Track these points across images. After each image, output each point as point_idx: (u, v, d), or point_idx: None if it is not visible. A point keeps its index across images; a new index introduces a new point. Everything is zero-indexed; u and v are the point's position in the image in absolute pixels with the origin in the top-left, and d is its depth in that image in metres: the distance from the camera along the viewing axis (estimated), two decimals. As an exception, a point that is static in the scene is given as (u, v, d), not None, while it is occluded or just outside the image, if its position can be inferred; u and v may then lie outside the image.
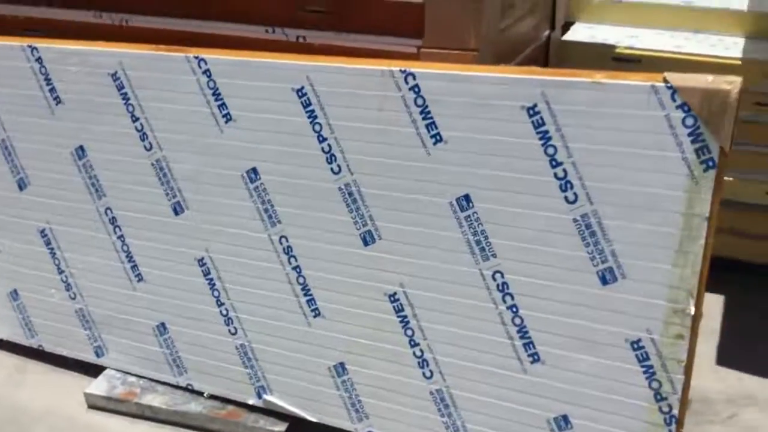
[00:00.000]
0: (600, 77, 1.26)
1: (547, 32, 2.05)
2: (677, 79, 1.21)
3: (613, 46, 2.24)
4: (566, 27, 2.46)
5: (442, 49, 1.46)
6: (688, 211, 1.20)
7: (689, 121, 1.18)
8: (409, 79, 1.38)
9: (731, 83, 1.19)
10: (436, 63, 1.43)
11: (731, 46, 2.21)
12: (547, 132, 1.30)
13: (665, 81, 1.20)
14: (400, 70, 1.38)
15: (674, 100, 1.18)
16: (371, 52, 1.56)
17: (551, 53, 2.11)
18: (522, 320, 1.38)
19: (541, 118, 1.29)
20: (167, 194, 1.66)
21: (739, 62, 2.12)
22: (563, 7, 2.12)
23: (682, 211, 1.20)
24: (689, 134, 1.18)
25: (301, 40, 1.64)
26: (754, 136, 2.14)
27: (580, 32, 2.39)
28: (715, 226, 1.20)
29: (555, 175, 1.30)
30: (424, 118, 1.38)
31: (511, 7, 1.61)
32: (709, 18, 2.33)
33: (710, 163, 1.18)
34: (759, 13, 2.29)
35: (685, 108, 1.18)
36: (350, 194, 1.48)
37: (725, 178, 2.12)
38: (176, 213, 1.66)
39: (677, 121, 1.18)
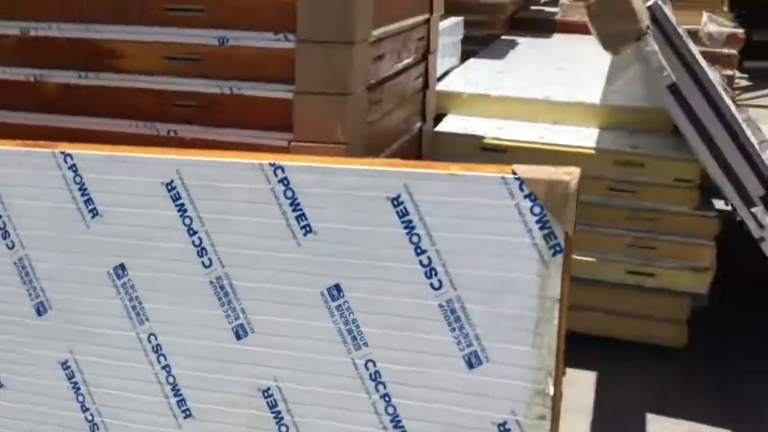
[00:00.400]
0: (456, 169, 1.34)
1: (419, 124, 2.15)
2: (524, 170, 1.29)
3: (481, 137, 2.38)
4: (440, 118, 2.60)
5: (311, 142, 1.50)
6: (542, 294, 1.26)
7: (536, 210, 1.26)
8: (278, 172, 1.41)
9: (570, 174, 1.28)
10: (305, 156, 1.47)
11: (587, 137, 2.40)
12: (411, 221, 1.35)
13: (513, 173, 1.29)
14: (269, 164, 1.41)
15: (522, 190, 1.26)
16: (243, 145, 1.58)
17: (424, 144, 2.21)
18: (395, 409, 1.38)
19: (405, 209, 1.34)
20: (30, 294, 1.58)
21: (593, 151, 2.30)
22: (433, 100, 2.24)
23: (536, 294, 1.27)
24: (537, 221, 1.26)
25: (172, 134, 1.65)
26: (610, 219, 2.30)
27: (452, 123, 2.53)
28: (566, 306, 1.27)
29: (420, 262, 1.35)
30: (293, 210, 1.41)
31: (379, 102, 1.69)
32: (567, 111, 2.53)
33: (557, 248, 1.26)
34: (609, 106, 2.51)
35: (532, 197, 1.26)
36: (221, 288, 1.47)
37: (589, 258, 2.29)
38: (39, 314, 1.58)
39: (526, 209, 1.26)
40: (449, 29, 2.97)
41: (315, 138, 1.49)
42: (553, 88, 2.71)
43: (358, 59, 1.47)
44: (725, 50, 4.02)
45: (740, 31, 4.03)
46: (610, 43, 1.75)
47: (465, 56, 3.48)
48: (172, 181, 1.46)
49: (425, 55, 2.10)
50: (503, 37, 4.05)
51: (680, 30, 1.88)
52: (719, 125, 1.86)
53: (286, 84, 1.50)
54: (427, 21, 2.08)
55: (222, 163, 1.44)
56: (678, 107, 1.80)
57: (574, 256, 2.27)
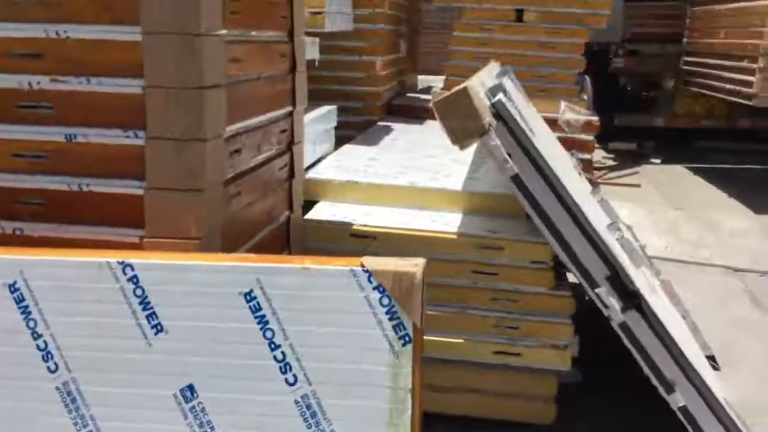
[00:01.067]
0: (308, 263, 1.36)
1: (286, 213, 2.16)
2: (372, 263, 1.33)
3: (350, 224, 2.43)
4: (311, 204, 2.64)
5: (164, 238, 1.48)
6: (394, 385, 1.28)
7: (385, 301, 1.29)
8: (127, 270, 1.37)
9: (416, 265, 1.33)
10: (155, 252, 1.45)
11: (450, 222, 2.49)
12: (264, 316, 1.34)
13: (362, 265, 1.32)
14: (118, 262, 1.37)
15: (371, 282, 1.29)
16: (93, 243, 1.54)
17: (293, 233, 2.22)
18: None
19: (258, 303, 1.34)
20: None
21: (455, 236, 2.39)
22: (300, 189, 2.27)
23: (388, 385, 1.28)
24: (386, 313, 1.29)
25: (18, 232, 1.58)
26: (476, 301, 2.38)
27: (322, 211, 2.57)
28: (420, 395, 1.29)
29: (275, 357, 1.34)
30: (143, 309, 1.37)
31: (238, 195, 1.69)
32: (432, 197, 2.63)
33: (407, 338, 1.28)
34: (470, 192, 2.63)
35: (381, 289, 1.29)
36: (69, 393, 1.39)
37: (458, 340, 2.34)
38: None
39: (375, 301, 1.29)
40: (322, 117, 3.06)
41: (167, 234, 1.47)
42: (420, 174, 2.82)
43: (211, 155, 1.48)
44: (583, 136, 4.33)
45: (595, 118, 4.37)
46: (456, 138, 1.86)
47: (344, 141, 3.58)
48: (15, 282, 1.40)
49: (290, 146, 2.15)
50: (380, 123, 4.20)
51: (522, 124, 2.02)
52: (562, 211, 1.98)
53: (137, 180, 1.48)
54: (290, 114, 2.13)
55: (68, 262, 1.39)
56: (522, 196, 1.92)
57: (445, 339, 2.36)
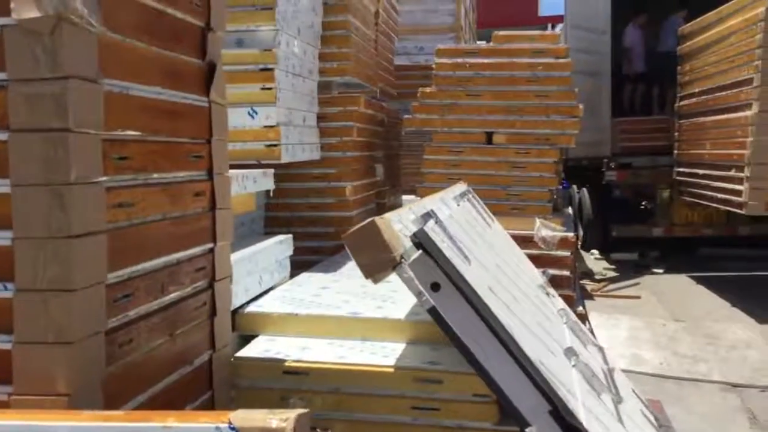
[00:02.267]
0: (171, 420, 1.27)
1: (208, 353, 2.09)
2: (239, 419, 1.24)
3: (283, 361, 2.34)
4: (249, 339, 2.56)
5: (33, 395, 1.41)
6: None
7: (243, 462, 1.19)
8: (-20, 432, 1.30)
9: (285, 420, 1.24)
10: (17, 412, 1.37)
11: (389, 353, 2.40)
12: (117, 481, 1.25)
13: (229, 422, 1.24)
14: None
15: (233, 441, 1.21)
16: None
17: (218, 374, 2.14)
18: None
19: (112, 467, 1.25)
20: None
21: (392, 369, 2.29)
22: (225, 327, 2.21)
23: None
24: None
25: None
26: (414, 439, 2.24)
27: (256, 347, 2.48)
28: None
29: None
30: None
31: (128, 342, 1.64)
32: (374, 327, 2.55)
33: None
34: (415, 321, 2.55)
35: (242, 448, 1.20)
36: None
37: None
38: None
39: (235, 461, 1.20)
40: (272, 248, 3.04)
41: (36, 391, 1.40)
42: (367, 302, 2.75)
43: (83, 306, 1.44)
44: (559, 252, 4.27)
45: (571, 234, 4.33)
46: (368, 272, 1.81)
47: (311, 267, 3.56)
48: None
49: (211, 283, 2.10)
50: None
51: (449, 253, 1.97)
52: (494, 342, 1.89)
53: (5, 334, 1.44)
54: (211, 250, 2.10)
55: None
56: (442, 329, 1.84)
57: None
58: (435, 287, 1.92)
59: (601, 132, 8.65)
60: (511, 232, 4.00)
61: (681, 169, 8.01)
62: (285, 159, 3.45)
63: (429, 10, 8.00)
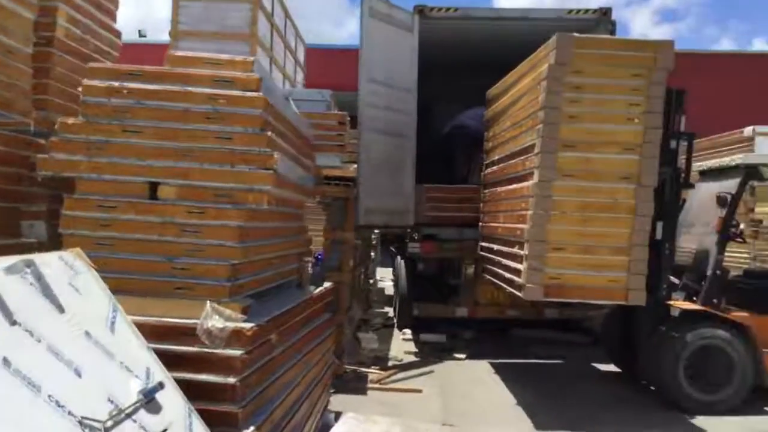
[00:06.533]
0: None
1: None
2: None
3: None
4: None
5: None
6: None
7: None
8: None
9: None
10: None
11: None
12: None
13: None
14: None
15: None
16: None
17: None
18: None
19: None
20: None
21: None
22: None
23: None
24: None
25: None
26: None
27: None
28: None
29: None
30: None
31: None
32: None
33: None
34: None
35: None
36: None
37: None
38: None
39: None
40: None
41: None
42: None
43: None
44: (228, 351, 3.11)
45: (248, 326, 3.19)
46: None
47: None
48: None
49: None
50: None
51: None
52: None
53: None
54: None
55: None
56: None
57: None
58: None
59: (405, 198, 7.74)
60: (162, 320, 2.89)
61: (483, 244, 7.15)
62: None
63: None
